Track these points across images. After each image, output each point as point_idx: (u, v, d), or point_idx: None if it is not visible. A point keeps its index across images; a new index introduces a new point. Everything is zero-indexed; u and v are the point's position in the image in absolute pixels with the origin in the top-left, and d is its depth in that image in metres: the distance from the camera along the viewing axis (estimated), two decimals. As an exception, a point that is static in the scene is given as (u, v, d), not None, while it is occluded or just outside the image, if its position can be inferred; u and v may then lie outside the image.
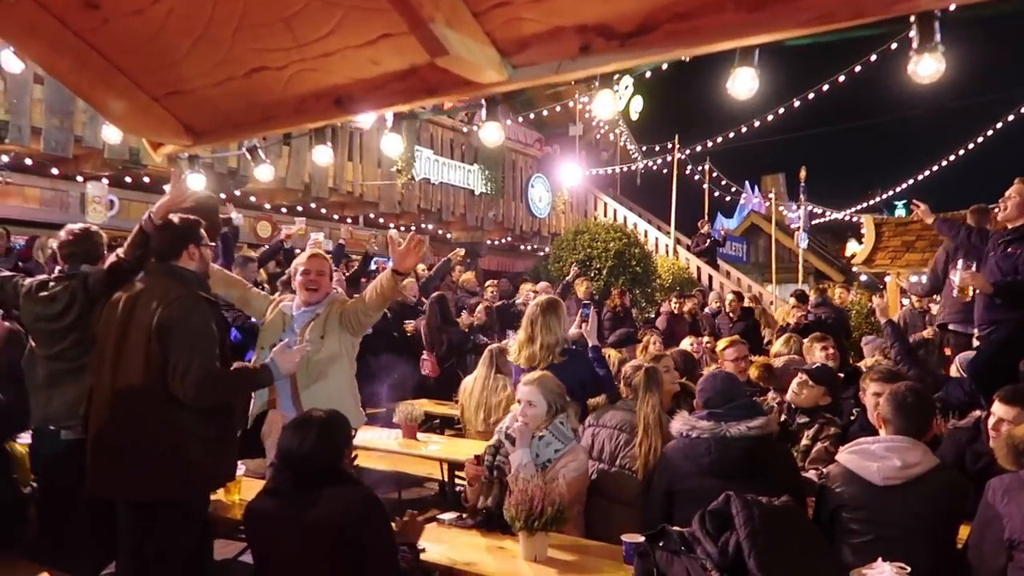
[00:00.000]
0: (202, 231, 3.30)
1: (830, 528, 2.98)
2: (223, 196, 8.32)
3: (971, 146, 15.76)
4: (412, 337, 7.95)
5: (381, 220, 12.66)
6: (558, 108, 14.72)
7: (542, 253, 15.59)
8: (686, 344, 6.25)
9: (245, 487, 3.59)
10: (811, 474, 3.68)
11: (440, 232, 13.95)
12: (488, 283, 10.17)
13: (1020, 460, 2.67)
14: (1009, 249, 4.63)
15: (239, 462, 3.47)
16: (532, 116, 14.91)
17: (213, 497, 3.38)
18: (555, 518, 2.86)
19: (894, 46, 10.50)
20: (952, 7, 1.71)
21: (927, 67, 2.16)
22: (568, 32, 1.80)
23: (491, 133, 3.36)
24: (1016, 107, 13.02)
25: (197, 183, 4.61)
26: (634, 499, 3.51)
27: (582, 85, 16.75)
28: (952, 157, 16.73)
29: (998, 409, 3.26)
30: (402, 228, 12.97)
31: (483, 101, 2.98)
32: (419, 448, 5.22)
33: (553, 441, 3.37)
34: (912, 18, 1.99)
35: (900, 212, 19.81)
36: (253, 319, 4.65)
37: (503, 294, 10.15)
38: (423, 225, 13.45)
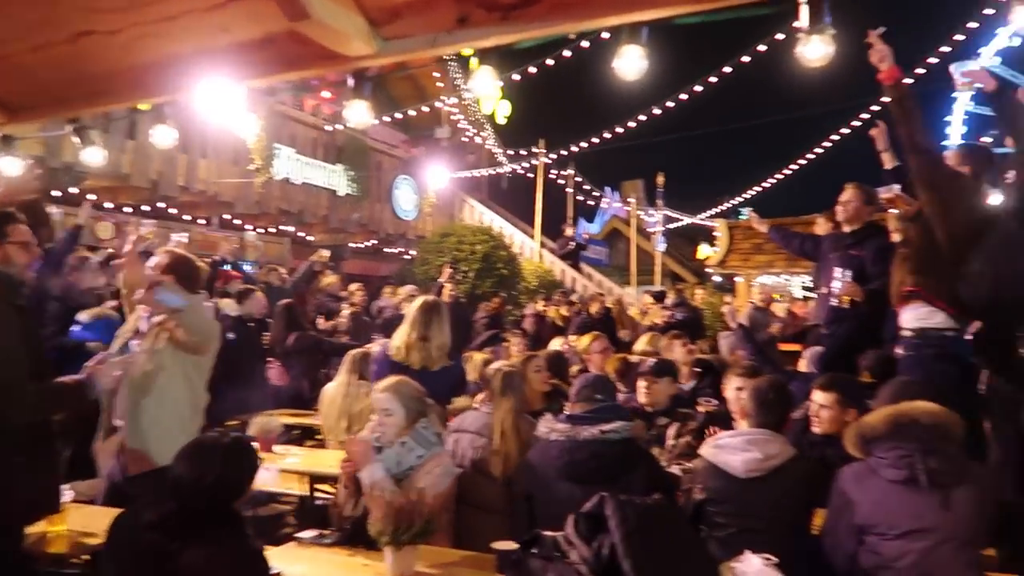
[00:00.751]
0: (15, 226, 2.87)
1: (696, 523, 3.02)
2: (58, 194, 7.52)
3: (811, 156, 17.01)
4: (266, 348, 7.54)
5: (237, 221, 11.96)
6: (425, 109, 14.50)
7: (408, 256, 15.33)
8: (556, 344, 6.26)
9: (74, 515, 3.16)
10: (675, 469, 3.72)
11: (301, 235, 13.39)
12: (353, 286, 9.83)
13: (868, 448, 2.78)
14: (852, 252, 4.88)
15: (66, 486, 3.05)
16: (399, 116, 14.59)
17: (33, 529, 2.95)
18: (424, 530, 2.70)
19: (745, 59, 11.13)
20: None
21: (815, 49, 2.21)
22: (445, 2, 1.66)
23: (358, 113, 3.14)
24: (856, 115, 14.16)
25: (11, 168, 4.06)
26: (498, 506, 3.44)
27: (449, 87, 16.69)
28: (797, 165, 17.99)
29: (817, 396, 3.44)
30: (260, 231, 12.32)
31: (350, 78, 2.76)
32: (276, 462, 4.88)
33: (415, 447, 3.21)
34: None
35: (744, 218, 21.05)
36: None
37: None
38: (283, 227, 12.84)
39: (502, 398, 3.60)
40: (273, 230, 13.02)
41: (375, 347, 5.34)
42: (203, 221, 11.79)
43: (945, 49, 12.93)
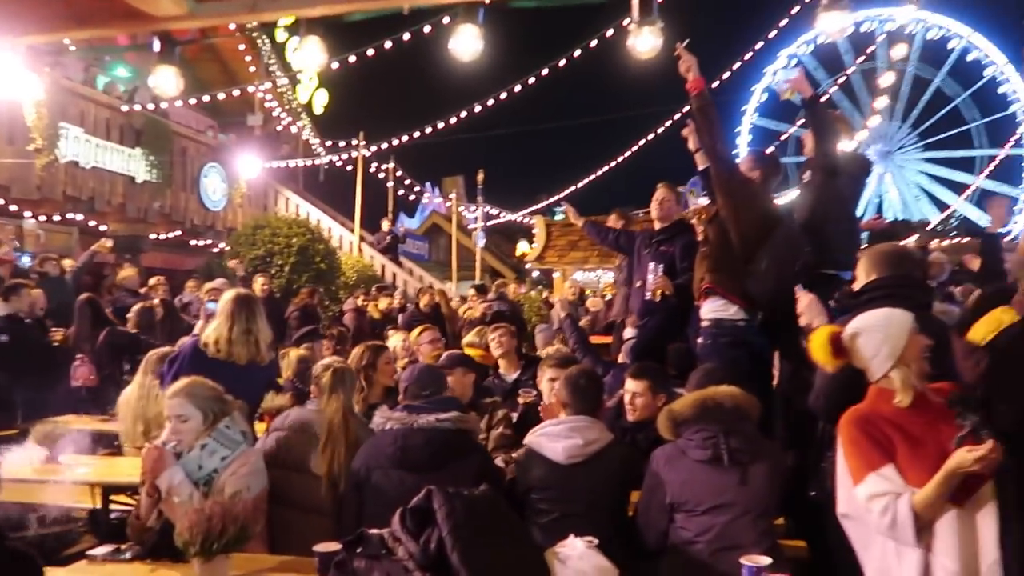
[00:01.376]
0: None
1: (521, 511, 3.07)
2: None
3: (627, 154, 18.01)
4: (58, 347, 6.80)
5: (13, 208, 10.63)
6: (236, 93, 13.68)
7: (216, 249, 14.41)
8: (397, 340, 6.11)
9: None
10: (498, 461, 3.77)
11: (92, 224, 12.15)
12: (154, 280, 9.07)
13: (679, 431, 2.99)
14: (662, 248, 5.20)
15: None
16: (207, 99, 13.64)
17: None
18: (238, 537, 2.51)
19: (562, 62, 11.53)
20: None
21: (646, 42, 2.30)
22: (266, -38, 1.52)
23: (165, 81, 2.83)
24: (670, 116, 15.14)
25: None
26: (322, 506, 3.31)
27: (262, 72, 15.89)
28: (615, 162, 18.96)
29: (629, 384, 3.69)
30: (42, 218, 11.04)
31: (156, 41, 2.47)
32: (62, 473, 4.39)
33: (219, 448, 2.99)
34: None
35: (559, 217, 21.89)
36: None
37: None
38: (70, 215, 11.58)
39: (332, 395, 3.48)
40: (58, 218, 11.70)
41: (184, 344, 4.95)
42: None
43: (744, 58, 14.16)
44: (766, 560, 2.44)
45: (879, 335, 2.45)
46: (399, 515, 2.45)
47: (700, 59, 4.03)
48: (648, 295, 5.04)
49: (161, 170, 12.43)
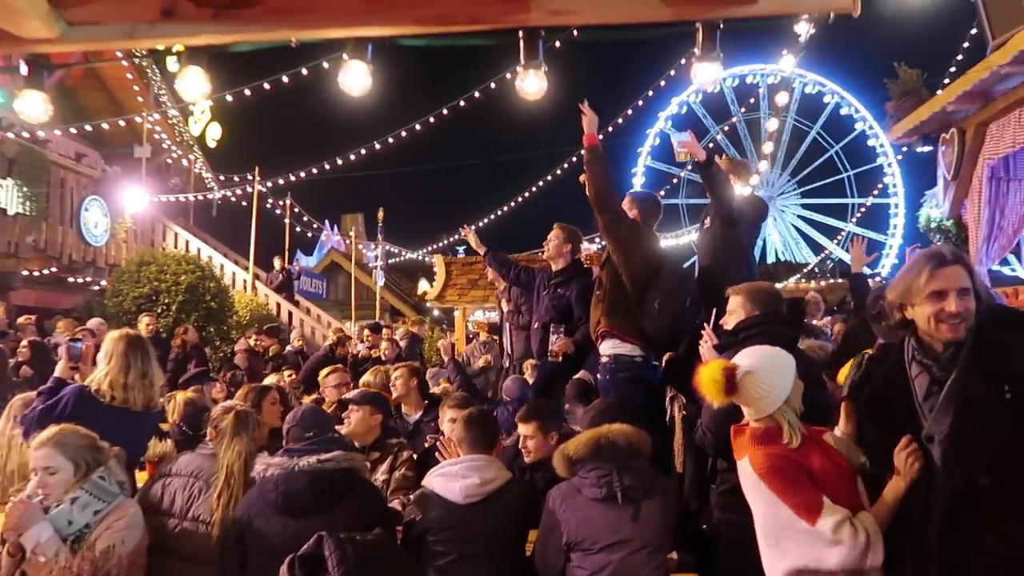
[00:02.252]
0: None
1: (418, 553, 3.01)
2: None
3: (527, 194, 18.31)
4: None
5: None
6: (121, 123, 13.09)
7: (97, 287, 13.60)
8: (271, 380, 5.91)
9: None
10: (395, 503, 3.67)
11: (-44, 259, 11.28)
12: (22, 319, 8.47)
13: (573, 469, 3.00)
14: (559, 290, 5.30)
15: None
16: (89, 128, 12.99)
17: None
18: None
19: (462, 103, 11.69)
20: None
21: (532, 84, 2.35)
22: (148, -12, 1.46)
23: (32, 106, 2.65)
24: (569, 158, 15.53)
25: None
26: (209, 555, 3.13)
27: (151, 103, 15.32)
28: (512, 203, 19.23)
29: (520, 428, 3.68)
30: None
31: (23, 64, 2.32)
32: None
33: (92, 501, 2.78)
34: (520, 33, 2.12)
35: (461, 255, 21.97)
36: None
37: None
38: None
39: (234, 439, 3.31)
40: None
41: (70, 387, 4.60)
42: None
43: (637, 104, 14.79)
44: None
45: (771, 377, 2.45)
46: (288, 564, 2.35)
47: (595, 101, 4.17)
48: (552, 357, 5.12)
49: (36, 202, 11.67)
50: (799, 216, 39.04)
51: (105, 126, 12.72)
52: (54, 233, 12.39)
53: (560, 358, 5.06)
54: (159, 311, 10.91)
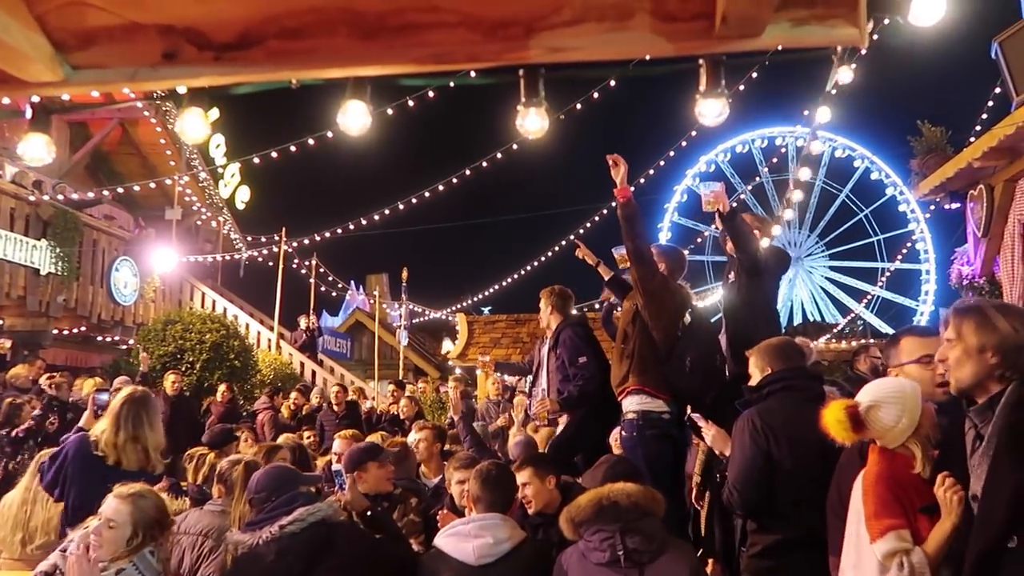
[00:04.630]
0: None
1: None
2: None
3: (550, 253, 18.37)
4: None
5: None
6: (152, 185, 13.45)
7: (125, 346, 13.76)
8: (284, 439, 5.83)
9: None
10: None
11: (-11, 317, 11.50)
12: (47, 377, 8.53)
13: (579, 531, 2.86)
14: (556, 352, 5.20)
15: None
16: (121, 191, 13.36)
17: None
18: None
19: (495, 155, 11.81)
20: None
21: (533, 122, 2.35)
22: (149, 32, 1.47)
23: (35, 149, 2.69)
24: (594, 214, 15.59)
25: None
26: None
27: (182, 167, 15.76)
28: (536, 261, 19.29)
29: (517, 477, 3.53)
30: (-68, 310, 10.39)
31: (28, 109, 2.37)
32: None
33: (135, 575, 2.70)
34: (520, 72, 2.13)
35: (485, 314, 21.96)
36: None
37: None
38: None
39: (243, 493, 3.18)
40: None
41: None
42: None
43: (662, 162, 14.90)
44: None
45: (897, 406, 2.41)
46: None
47: (622, 155, 4.16)
48: (537, 422, 5.17)
49: (68, 262, 11.93)
50: (826, 278, 38.75)
51: (137, 188, 13.05)
52: (85, 293, 12.62)
53: (546, 419, 4.98)
54: (183, 369, 10.97)
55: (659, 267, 4.40)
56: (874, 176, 33.68)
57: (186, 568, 3.16)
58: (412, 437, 5.07)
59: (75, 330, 13.07)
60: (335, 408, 9.20)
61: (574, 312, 5.46)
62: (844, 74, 5.36)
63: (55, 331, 12.38)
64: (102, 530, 2.67)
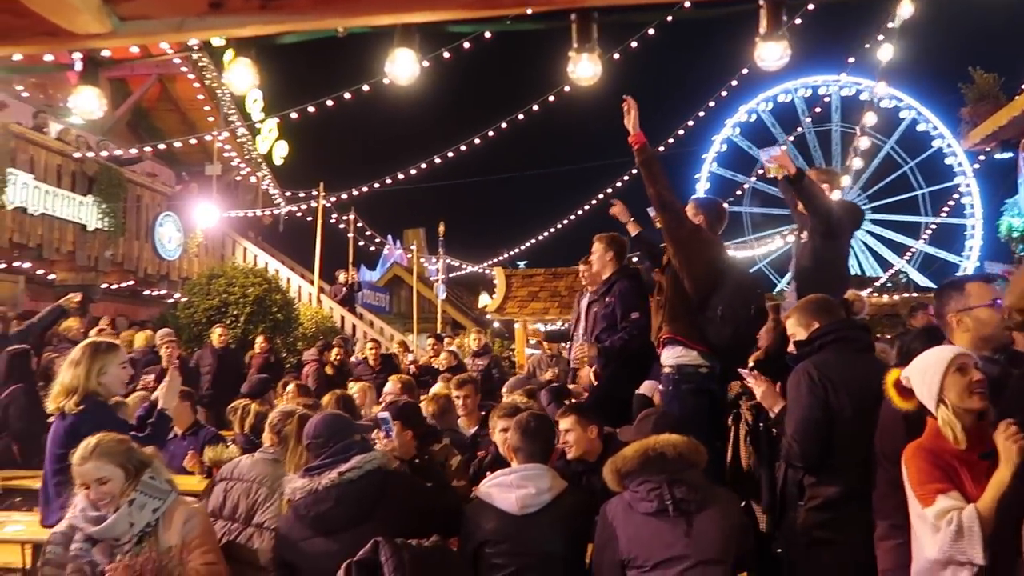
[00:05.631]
0: None
1: (474, 565, 2.94)
2: None
3: (587, 206, 18.23)
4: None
5: (-45, 255, 10.30)
6: (193, 141, 13.58)
7: (171, 300, 14.09)
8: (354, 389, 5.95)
9: None
10: None
11: (40, 272, 11.80)
12: (96, 330, 8.79)
13: (624, 482, 2.89)
14: (607, 299, 5.16)
15: None
16: (163, 147, 13.51)
17: None
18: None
19: (532, 107, 11.68)
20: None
21: (585, 69, 2.30)
22: (195, -20, 1.47)
23: (87, 102, 2.71)
24: (630, 168, 15.39)
25: None
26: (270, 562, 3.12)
27: (221, 123, 15.85)
28: (573, 215, 19.16)
29: (560, 424, 3.61)
30: (-15, 265, 10.71)
31: (78, 61, 2.39)
32: (-9, 531, 4.16)
33: (148, 501, 2.79)
34: (572, 16, 2.07)
35: (522, 267, 21.97)
36: None
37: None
38: (16, 263, 11.24)
39: (299, 444, 3.26)
40: (3, 266, 11.35)
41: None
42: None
43: (701, 113, 14.58)
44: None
45: (920, 376, 2.45)
46: (344, 569, 2.33)
47: (661, 105, 4.07)
48: (575, 364, 5.11)
49: (114, 218, 12.17)
50: (868, 231, 37.83)
51: (178, 145, 13.18)
52: (131, 248, 12.90)
53: (589, 363, 4.94)
54: (228, 322, 11.19)
55: (695, 220, 4.32)
56: (921, 127, 32.62)
57: (241, 513, 3.24)
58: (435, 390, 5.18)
59: (123, 284, 13.41)
60: (371, 363, 9.34)
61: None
62: (906, 7, 5.09)
63: (104, 285, 12.71)
64: (101, 490, 2.77)
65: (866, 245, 38.00)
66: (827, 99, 31.58)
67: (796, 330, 3.30)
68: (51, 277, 12.06)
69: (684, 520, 2.75)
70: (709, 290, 4.10)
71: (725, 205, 4.75)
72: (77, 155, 11.78)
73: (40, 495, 3.82)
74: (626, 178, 15.91)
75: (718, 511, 2.81)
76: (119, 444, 2.88)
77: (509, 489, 2.98)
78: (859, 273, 35.80)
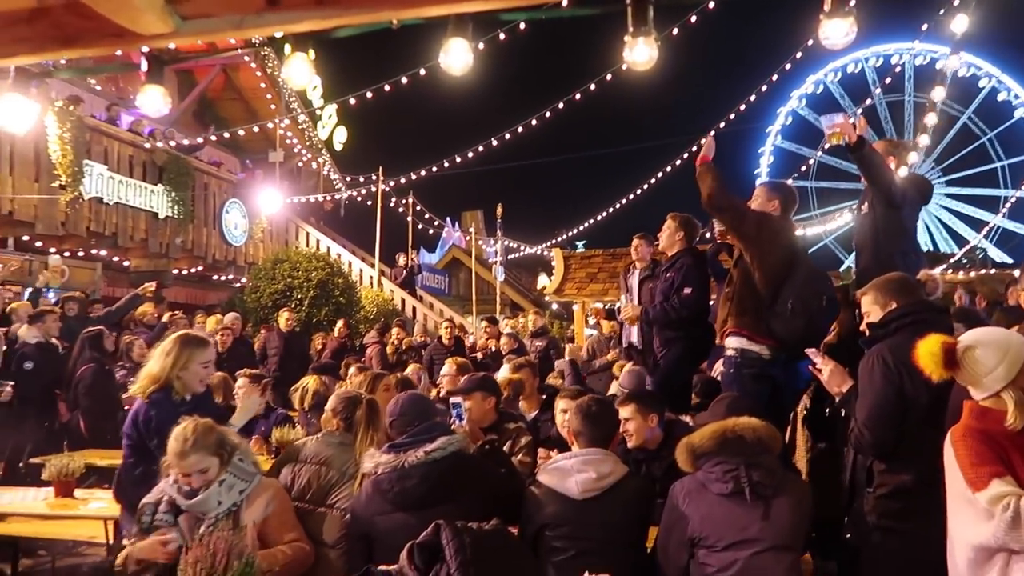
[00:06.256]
0: None
1: (535, 549, 2.95)
2: None
3: (646, 186, 18.01)
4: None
5: (39, 244, 10.78)
6: (256, 129, 13.89)
7: (238, 284, 14.50)
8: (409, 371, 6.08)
9: None
10: None
11: (116, 260, 12.30)
12: (169, 314, 9.12)
13: (698, 463, 2.86)
14: (668, 274, 5.14)
15: None
16: (227, 136, 13.86)
17: None
18: (243, 572, 2.43)
19: (589, 87, 11.57)
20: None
21: (641, 53, 2.26)
22: (254, -21, 1.50)
23: (152, 100, 2.81)
24: (688, 147, 15.15)
25: None
26: (338, 540, 3.19)
27: (283, 110, 16.16)
28: (630, 196, 18.96)
29: (620, 413, 3.59)
30: (67, 254, 11.19)
31: (143, 61, 2.46)
32: (76, 508, 4.38)
33: (236, 482, 2.96)
34: (627, 0, 2.04)
35: (581, 249, 21.85)
36: None
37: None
38: (93, 251, 11.74)
39: (368, 429, 3.35)
40: (82, 254, 11.87)
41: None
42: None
43: (763, 87, 14.22)
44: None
45: (999, 352, 2.33)
46: (407, 551, 2.38)
47: (724, 79, 4.01)
48: (626, 323, 5.27)
49: (183, 206, 12.58)
50: (942, 206, 36.26)
51: (241, 133, 13.50)
52: (199, 234, 13.31)
53: (633, 323, 5.08)
54: (292, 306, 11.47)
55: (770, 205, 4.22)
56: (1001, 97, 31.01)
57: (312, 494, 3.29)
58: (504, 374, 5.20)
59: (192, 270, 13.87)
60: (445, 342, 9.46)
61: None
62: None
63: (175, 271, 13.17)
64: (201, 479, 2.91)
65: (940, 220, 36.49)
66: (899, 68, 30.22)
67: (871, 309, 3.15)
68: (126, 264, 12.56)
69: (759, 504, 2.72)
70: (781, 281, 4.00)
71: (793, 186, 4.64)
72: (147, 145, 12.19)
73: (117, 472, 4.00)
74: (686, 156, 15.65)
75: (792, 497, 2.78)
76: (213, 434, 3.01)
77: (569, 474, 2.97)
78: (932, 249, 34.45)
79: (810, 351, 3.43)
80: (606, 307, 9.97)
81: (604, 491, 2.94)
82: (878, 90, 32.18)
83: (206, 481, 2.93)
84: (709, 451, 2.84)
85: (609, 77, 11.56)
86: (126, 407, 6.30)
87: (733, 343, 4.14)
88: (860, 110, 30.77)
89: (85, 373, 6.48)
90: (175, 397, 3.61)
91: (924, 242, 35.94)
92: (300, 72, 2.84)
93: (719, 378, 4.62)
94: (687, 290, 4.88)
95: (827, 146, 4.14)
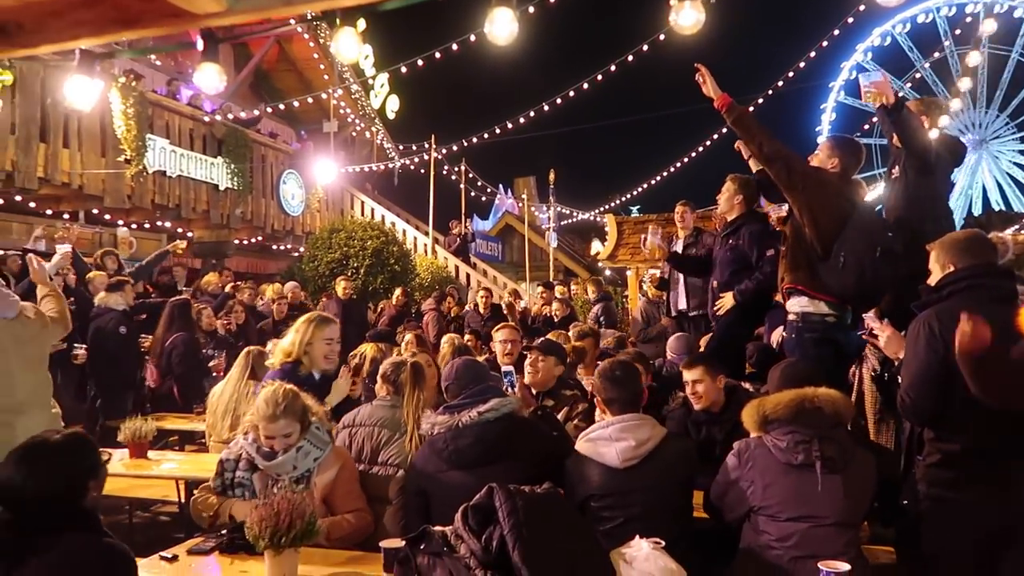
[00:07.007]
0: None
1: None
2: None
3: (700, 149, 17.67)
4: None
5: (107, 216, 11.19)
6: (310, 100, 14.05)
7: (296, 254, 14.82)
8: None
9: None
10: None
11: (180, 231, 12.69)
12: (238, 284, 9.39)
13: (766, 427, 2.82)
14: (731, 240, 5.04)
15: None
16: (282, 107, 14.05)
17: None
18: (306, 532, 2.56)
19: (630, 58, 11.36)
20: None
21: (688, 17, 2.23)
22: (302, -45, 1.52)
23: (209, 77, 2.90)
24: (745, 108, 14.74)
25: None
26: (396, 495, 3.32)
27: (336, 81, 16.28)
28: (684, 159, 18.64)
29: (687, 376, 3.65)
30: (133, 226, 11.59)
31: (199, 40, 2.53)
32: (150, 468, 4.60)
33: (312, 450, 3.13)
34: None
35: (635, 214, 21.62)
36: None
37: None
38: (159, 223, 12.12)
39: (414, 390, 3.52)
40: (148, 226, 12.28)
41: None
42: (67, 216, 10.96)
43: (824, 43, 13.75)
44: (844, 567, 2.31)
45: None
46: (461, 512, 2.44)
47: (787, 35, 3.87)
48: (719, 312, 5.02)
49: (242, 177, 12.86)
50: (1015, 163, 34.38)
51: (296, 104, 13.66)
52: (258, 205, 13.61)
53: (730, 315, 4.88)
54: (349, 274, 11.68)
55: (831, 162, 4.09)
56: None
57: (367, 454, 3.45)
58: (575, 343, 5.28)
59: (252, 240, 14.21)
60: (481, 311, 9.53)
61: None
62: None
63: (236, 241, 13.52)
64: (284, 443, 3.08)
65: (1013, 178, 34.75)
66: (971, 19, 28.58)
67: (933, 268, 3.00)
68: (189, 235, 12.95)
69: (828, 479, 2.68)
70: (832, 237, 3.86)
71: (861, 144, 4.46)
72: (207, 119, 12.46)
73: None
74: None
75: (859, 473, 2.75)
76: (299, 400, 3.19)
77: (608, 443, 2.95)
78: (1004, 208, 32.90)
79: (868, 316, 3.34)
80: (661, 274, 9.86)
81: (644, 457, 2.92)
82: (948, 42, 30.59)
83: (287, 445, 3.09)
84: (783, 419, 2.79)
85: (663, 37, 11.32)
86: (214, 374, 6.61)
87: (794, 306, 4.04)
88: (927, 64, 29.38)
89: (177, 341, 6.77)
90: (301, 372, 3.89)
91: (995, 200, 34.38)
92: (349, 46, 2.88)
93: (775, 347, 4.56)
94: (770, 252, 4.75)
95: (864, 103, 3.98)
